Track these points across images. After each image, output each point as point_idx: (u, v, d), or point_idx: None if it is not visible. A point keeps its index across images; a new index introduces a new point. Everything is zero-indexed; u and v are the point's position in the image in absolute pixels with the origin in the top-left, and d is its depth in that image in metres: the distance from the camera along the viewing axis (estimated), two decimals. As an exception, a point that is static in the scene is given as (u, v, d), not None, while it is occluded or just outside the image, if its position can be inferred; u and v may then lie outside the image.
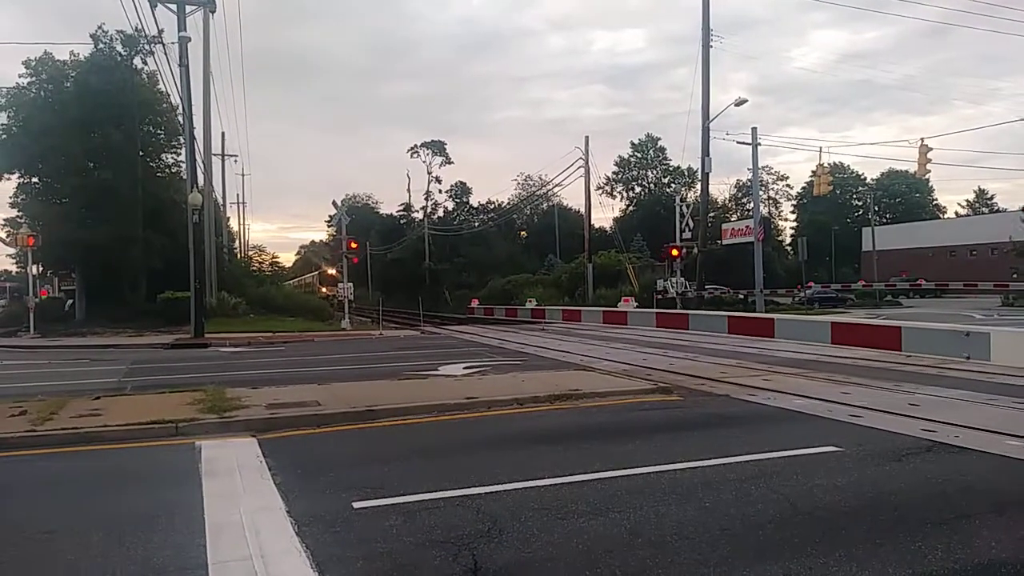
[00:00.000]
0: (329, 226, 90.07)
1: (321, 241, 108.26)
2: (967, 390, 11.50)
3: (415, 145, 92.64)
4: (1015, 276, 43.57)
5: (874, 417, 9.47)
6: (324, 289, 42.37)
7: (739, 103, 33.38)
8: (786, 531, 5.37)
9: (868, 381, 12.57)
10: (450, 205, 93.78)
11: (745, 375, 13.62)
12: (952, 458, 7.48)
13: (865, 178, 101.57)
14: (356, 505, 5.97)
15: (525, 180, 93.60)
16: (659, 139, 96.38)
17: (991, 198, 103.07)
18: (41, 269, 39.47)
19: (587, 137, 49.90)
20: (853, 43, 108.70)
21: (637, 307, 12.81)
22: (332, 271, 45.13)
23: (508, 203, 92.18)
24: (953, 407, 10.16)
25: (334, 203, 36.61)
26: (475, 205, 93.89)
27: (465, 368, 15.79)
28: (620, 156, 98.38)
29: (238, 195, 72.85)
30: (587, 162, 47.46)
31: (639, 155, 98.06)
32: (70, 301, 41.70)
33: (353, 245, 34.22)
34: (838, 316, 9.08)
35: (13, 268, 58.93)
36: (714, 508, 5.89)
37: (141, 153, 37.79)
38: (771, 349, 16.42)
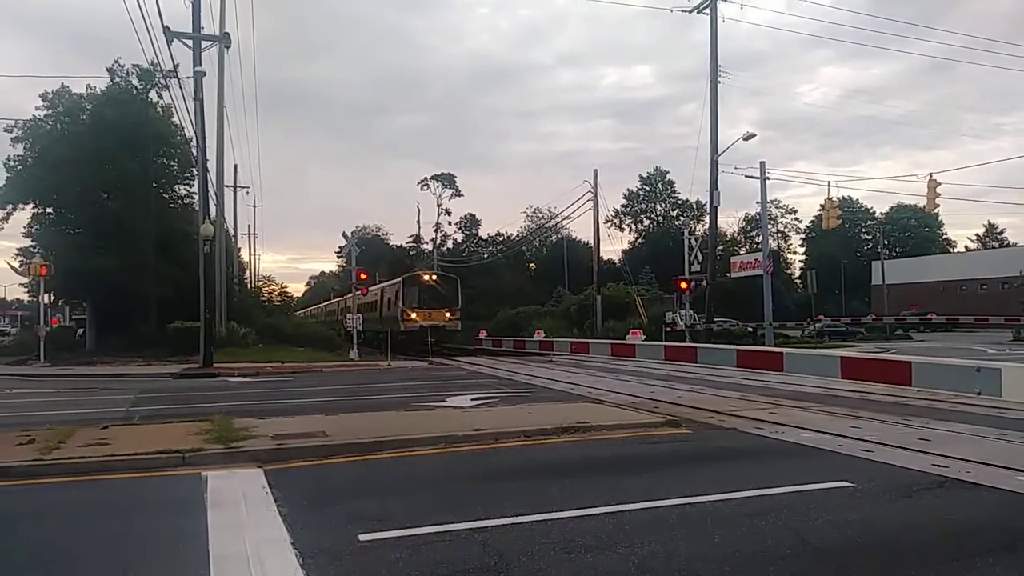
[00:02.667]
0: (339, 257, 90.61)
1: (331, 272, 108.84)
2: (978, 425, 11.39)
3: (425, 177, 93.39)
4: (1026, 310, 43.27)
5: (885, 452, 9.38)
6: (413, 315, 39.72)
7: (747, 137, 33.59)
8: (797, 567, 5.31)
9: (878, 415, 12.46)
10: (459, 237, 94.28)
11: (753, 408, 13.54)
12: (963, 494, 7.40)
13: (874, 212, 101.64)
14: (362, 538, 5.93)
15: (534, 212, 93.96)
16: (668, 172, 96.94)
17: (1001, 232, 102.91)
18: (53, 298, 39.78)
19: (596, 170, 50.24)
20: (859, 79, 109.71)
21: (645, 340, 12.75)
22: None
23: (517, 235, 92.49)
24: (964, 442, 10.05)
25: (344, 234, 37.15)
26: (484, 237, 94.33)
27: (472, 400, 15.74)
28: (629, 189, 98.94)
29: (249, 226, 73.37)
30: (596, 195, 47.76)
31: (648, 188, 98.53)
32: (81, 330, 41.92)
33: (363, 276, 34.35)
34: (848, 350, 9.03)
35: (25, 297, 59.31)
36: (724, 543, 5.83)
37: (154, 184, 38.21)
38: (780, 383, 16.44)
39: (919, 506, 7.02)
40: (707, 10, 31.88)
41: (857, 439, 10.33)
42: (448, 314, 39.71)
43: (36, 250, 35.58)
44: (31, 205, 37.79)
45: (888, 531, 6.18)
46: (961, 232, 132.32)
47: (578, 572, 5.18)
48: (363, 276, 34.30)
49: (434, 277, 42.84)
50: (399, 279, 43.03)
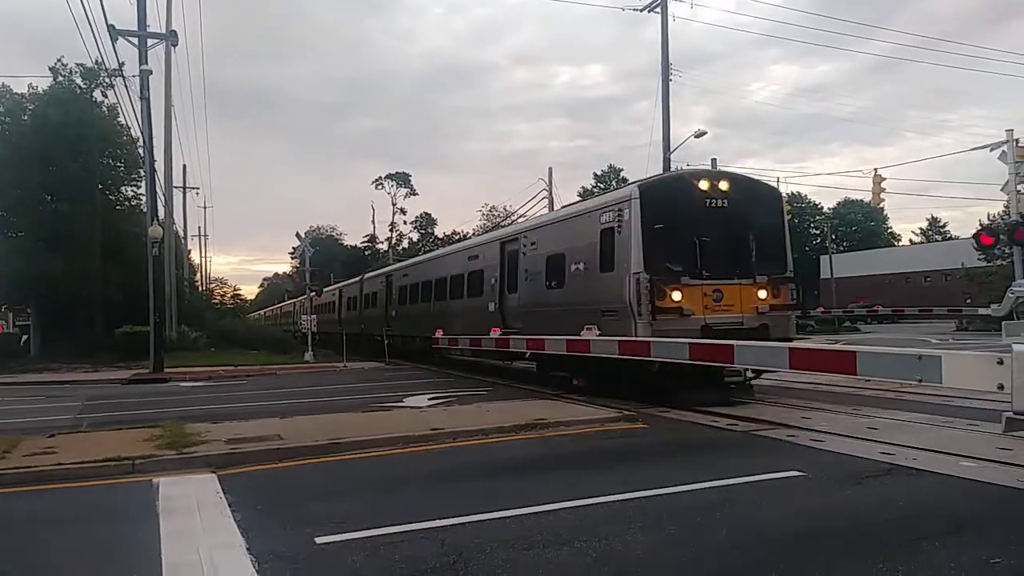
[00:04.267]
0: (293, 258, 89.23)
1: (285, 273, 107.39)
2: (924, 413, 11.76)
3: (380, 177, 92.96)
4: (968, 301, 44.68)
5: (835, 441, 9.62)
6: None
7: (699, 135, 34.03)
8: (751, 557, 5.40)
9: (828, 406, 12.78)
10: (415, 236, 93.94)
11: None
12: (910, 481, 7.61)
13: (822, 207, 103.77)
14: (318, 541, 5.87)
15: (490, 211, 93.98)
16: (621, 170, 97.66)
17: (943, 226, 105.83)
18: (-5, 304, 38.55)
19: (550, 168, 50.32)
20: (807, 77, 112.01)
21: (600, 334, 12.82)
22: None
23: (474, 233, 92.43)
24: (910, 431, 10.35)
25: (298, 235, 36.21)
26: (440, 236, 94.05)
27: (430, 399, 15.68)
28: (584, 187, 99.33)
29: (200, 228, 72.00)
30: (551, 192, 47.90)
31: (602, 186, 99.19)
32: (25, 336, 40.65)
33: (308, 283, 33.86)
34: (797, 342, 9.22)
35: (-35, 303, 57.35)
36: (679, 535, 5.91)
37: (100, 186, 37.24)
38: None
39: (869, 494, 7.20)
40: (658, 9, 32.20)
41: (808, 429, 10.57)
42: None
43: (-23, 255, 34.45)
44: (-29, 209, 36.58)
45: (839, 519, 6.33)
46: (906, 226, 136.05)
47: (536, 568, 5.20)
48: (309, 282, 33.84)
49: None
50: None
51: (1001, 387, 6.19)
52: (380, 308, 34.00)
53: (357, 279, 41.59)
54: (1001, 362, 6.21)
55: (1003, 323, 6.26)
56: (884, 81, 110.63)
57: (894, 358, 7.60)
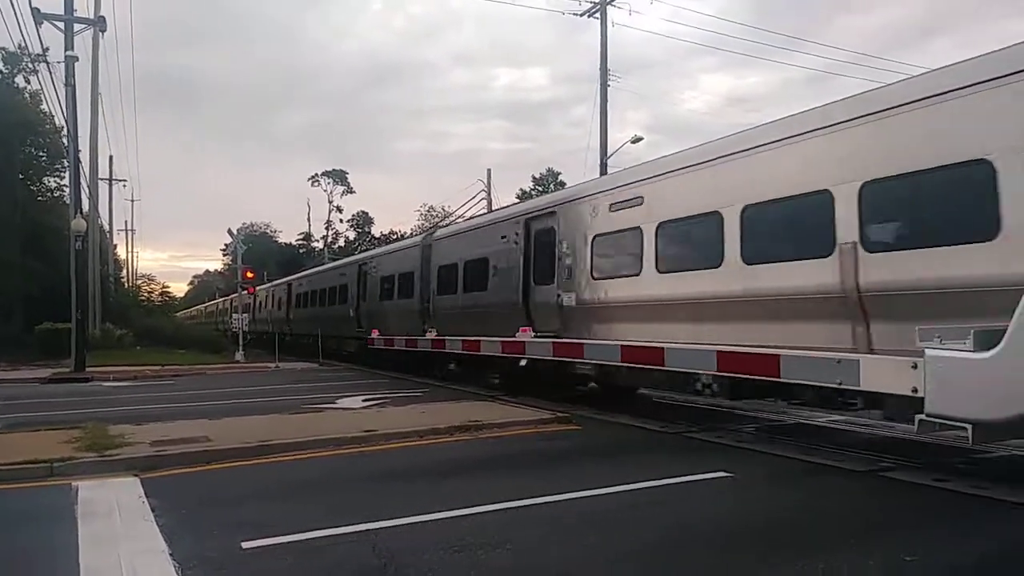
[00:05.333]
0: (225, 255, 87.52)
1: (216, 271, 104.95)
2: (849, 415, 12.20)
3: (316, 174, 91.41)
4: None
5: (762, 443, 9.90)
6: None
7: (635, 140, 34.48)
8: (678, 555, 5.52)
9: (761, 405, 13.14)
10: (352, 235, 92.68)
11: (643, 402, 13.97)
12: (833, 480, 7.90)
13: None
14: (245, 545, 5.75)
15: (428, 211, 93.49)
16: (560, 174, 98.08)
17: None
18: (-97, 298, 36.60)
19: (489, 170, 50.39)
20: (738, 88, 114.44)
21: (535, 337, 12.93)
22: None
23: (411, 233, 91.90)
24: (835, 432, 10.73)
25: (230, 231, 35.27)
26: (377, 235, 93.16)
27: (364, 400, 15.53)
28: (522, 189, 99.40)
29: (126, 222, 70.37)
30: (489, 194, 47.93)
31: (540, 189, 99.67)
32: (-64, 333, 38.77)
33: (249, 275, 33.25)
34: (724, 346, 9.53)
35: None
36: (612, 535, 6.00)
37: (21, 176, 35.87)
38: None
39: (794, 493, 7.45)
40: (598, 15, 32.56)
41: (735, 430, 10.85)
42: None
43: None
44: None
45: (764, 518, 6.52)
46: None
47: (469, 570, 5.20)
48: (250, 275, 33.21)
49: None
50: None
51: (915, 390, 6.48)
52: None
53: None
54: (915, 366, 6.50)
55: (917, 328, 6.52)
56: (814, 94, 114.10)
57: (815, 361, 7.88)
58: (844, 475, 8.06)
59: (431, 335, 18.95)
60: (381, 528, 6.12)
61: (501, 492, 7.25)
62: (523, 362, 14.39)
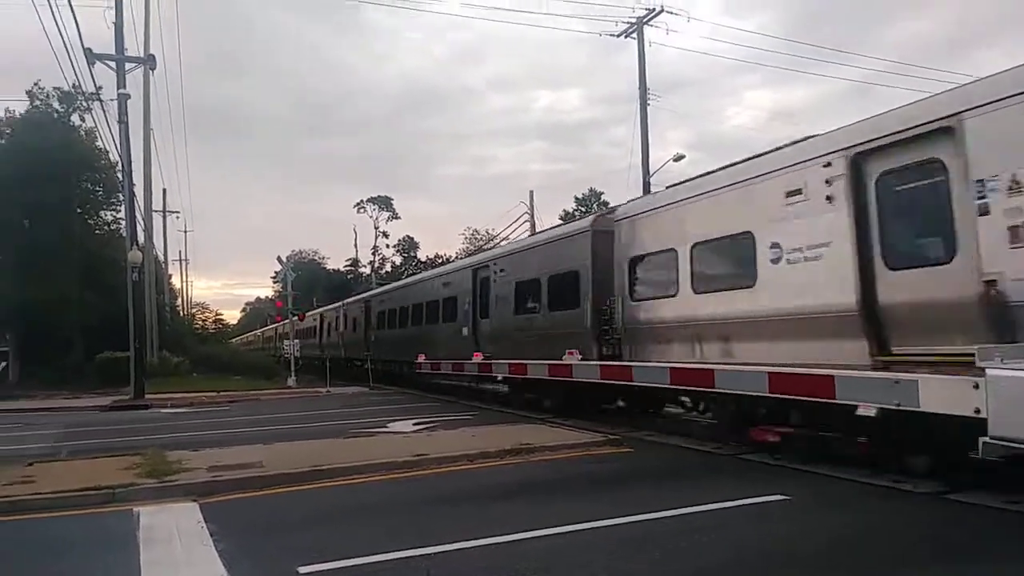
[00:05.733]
0: (275, 282, 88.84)
1: (267, 298, 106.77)
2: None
3: (361, 200, 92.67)
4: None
5: (820, 464, 9.65)
6: None
7: (677, 159, 34.32)
8: (735, 581, 5.43)
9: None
10: (398, 260, 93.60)
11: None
12: (898, 504, 7.66)
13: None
14: (302, 570, 5.81)
15: (472, 234, 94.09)
16: (602, 193, 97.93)
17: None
18: (-29, 331, 38.00)
19: (531, 191, 50.82)
20: (782, 102, 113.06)
21: (582, 359, 12.85)
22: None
23: (456, 256, 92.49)
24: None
25: (279, 259, 35.39)
26: (423, 259, 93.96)
27: (415, 424, 15.62)
28: (565, 210, 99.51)
29: (180, 252, 71.61)
30: (532, 216, 48.08)
31: (583, 209, 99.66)
32: (3, 364, 40.06)
33: (293, 305, 33.74)
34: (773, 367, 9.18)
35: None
36: (664, 561, 5.91)
37: (79, 211, 37.03)
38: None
39: (854, 517, 7.25)
40: (634, 35, 32.61)
41: (792, 450, 10.60)
42: None
43: (-47, 281, 34.06)
44: (-53, 234, 36.22)
45: (822, 543, 6.36)
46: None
47: (522, 596, 5.18)
48: (292, 307, 33.75)
49: None
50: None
51: (977, 411, 6.29)
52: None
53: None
54: (977, 386, 6.31)
55: (976, 348, 6.36)
56: (859, 106, 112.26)
57: (872, 381, 7.70)
58: (907, 497, 7.82)
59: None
60: (433, 553, 6.13)
61: (552, 517, 7.20)
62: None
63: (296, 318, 34.90)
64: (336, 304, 42.68)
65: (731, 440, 11.03)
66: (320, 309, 46.24)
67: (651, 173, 32.28)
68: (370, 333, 32.76)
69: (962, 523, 6.91)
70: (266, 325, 76.13)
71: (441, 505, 8.24)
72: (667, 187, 13.86)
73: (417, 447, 11.43)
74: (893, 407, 7.34)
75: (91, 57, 24.75)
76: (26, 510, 8.23)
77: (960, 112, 7.60)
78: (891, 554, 5.94)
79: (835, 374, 8.20)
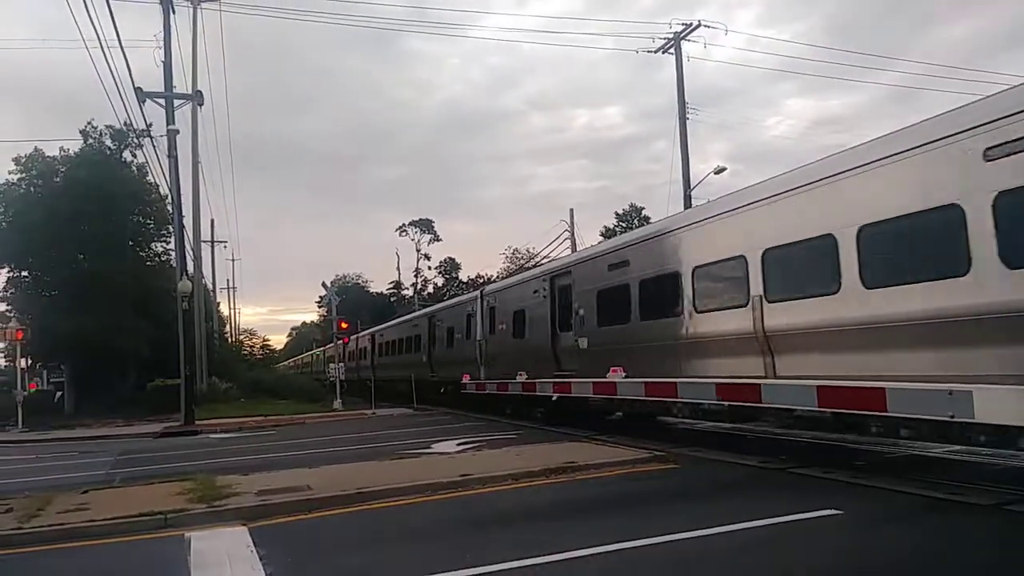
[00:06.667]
0: (320, 307, 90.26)
1: (312, 322, 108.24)
2: (965, 445, 11.50)
3: (403, 224, 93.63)
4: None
5: (873, 477, 9.41)
6: None
7: (718, 171, 34.05)
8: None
9: (861, 439, 12.54)
10: (440, 281, 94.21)
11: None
12: (954, 518, 7.43)
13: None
14: (349, 593, 5.85)
15: (513, 253, 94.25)
16: (643, 208, 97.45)
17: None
18: (30, 362, 39.20)
19: (572, 209, 50.73)
20: (823, 110, 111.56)
21: (626, 377, 12.65)
22: None
23: (497, 276, 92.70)
24: (952, 464, 10.13)
25: (324, 284, 36.11)
26: (464, 280, 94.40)
27: (459, 444, 15.63)
28: (605, 226, 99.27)
29: (228, 280, 73.11)
30: (572, 233, 48.03)
31: (624, 225, 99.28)
32: (59, 393, 41.23)
33: (344, 325, 34.18)
34: (822, 380, 8.86)
35: (1, 361, 58.37)
36: (713, 579, 5.82)
37: (131, 243, 38.05)
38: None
39: (910, 531, 7.04)
40: (672, 51, 32.59)
41: (843, 464, 10.36)
42: None
43: (12, 314, 35.18)
44: (6, 269, 37.48)
45: (878, 560, 6.18)
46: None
47: (569, 616, 5.13)
48: (344, 325, 34.14)
49: None
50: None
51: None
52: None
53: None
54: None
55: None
56: (902, 112, 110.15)
57: (924, 394, 7.47)
58: (965, 511, 7.56)
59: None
60: (480, 574, 6.11)
61: (597, 535, 7.12)
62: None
63: (341, 341, 35.29)
64: (382, 324, 42.93)
65: None
66: (370, 329, 46.49)
67: (692, 187, 32.08)
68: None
69: (1021, 535, 6.67)
70: (312, 349, 77.03)
71: (486, 526, 8.21)
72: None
73: (462, 467, 11.43)
74: (947, 419, 7.13)
75: (141, 96, 25.56)
76: (80, 537, 8.41)
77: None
78: (950, 570, 5.75)
79: (887, 386, 7.99)
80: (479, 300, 24.32)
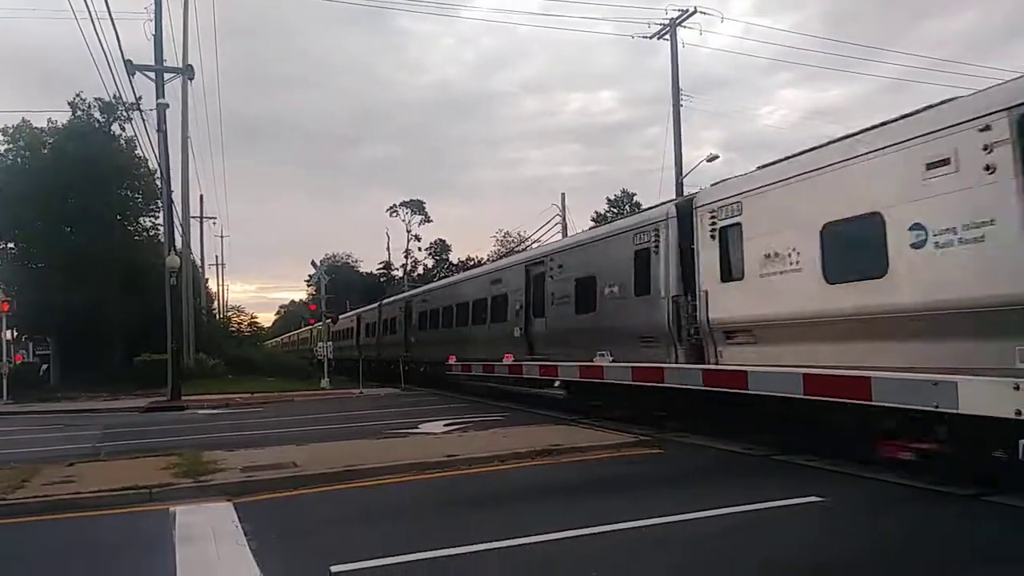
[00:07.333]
0: (309, 286, 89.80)
1: (301, 301, 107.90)
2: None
3: (394, 204, 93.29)
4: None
5: (854, 465, 9.50)
6: None
7: (711, 159, 34.07)
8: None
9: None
10: (430, 262, 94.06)
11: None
12: (934, 505, 7.52)
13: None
14: (333, 569, 5.85)
15: (504, 236, 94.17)
16: (635, 194, 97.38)
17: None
18: (16, 334, 38.98)
19: (563, 194, 50.55)
20: (817, 100, 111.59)
21: (613, 361, 12.66)
22: None
23: (488, 259, 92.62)
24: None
25: (313, 263, 35.79)
26: (455, 262, 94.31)
27: (446, 425, 15.67)
28: (597, 211, 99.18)
29: (217, 256, 72.83)
30: (564, 218, 48.07)
31: (615, 211, 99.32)
32: (45, 366, 41.10)
33: (312, 308, 34.29)
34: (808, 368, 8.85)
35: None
36: (696, 563, 5.88)
37: (119, 217, 37.81)
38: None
39: (891, 520, 7.12)
40: (667, 36, 32.44)
41: (826, 452, 10.44)
42: None
43: (-2, 286, 35.00)
44: (-8, 241, 37.27)
45: (858, 548, 6.25)
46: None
47: (552, 596, 5.18)
48: (313, 308, 34.26)
49: None
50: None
51: (1019, 413, 6.15)
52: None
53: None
54: (1018, 388, 6.17)
55: (1016, 347, 6.24)
56: (897, 103, 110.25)
57: (910, 384, 7.55)
58: (947, 500, 7.66)
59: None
60: (465, 553, 6.15)
61: (582, 518, 7.17)
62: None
63: (330, 321, 35.24)
64: (371, 305, 42.84)
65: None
66: (356, 310, 46.41)
67: (684, 174, 32.07)
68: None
69: (998, 525, 6.76)
70: (300, 328, 76.88)
71: (472, 506, 8.26)
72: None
73: (448, 448, 11.47)
74: (931, 408, 7.20)
75: (131, 68, 25.26)
76: (66, 509, 8.39)
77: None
78: (929, 558, 5.83)
79: (872, 375, 8.06)
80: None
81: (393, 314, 35.66)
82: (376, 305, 40.12)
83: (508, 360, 18.87)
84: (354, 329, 44.80)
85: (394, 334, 34.69)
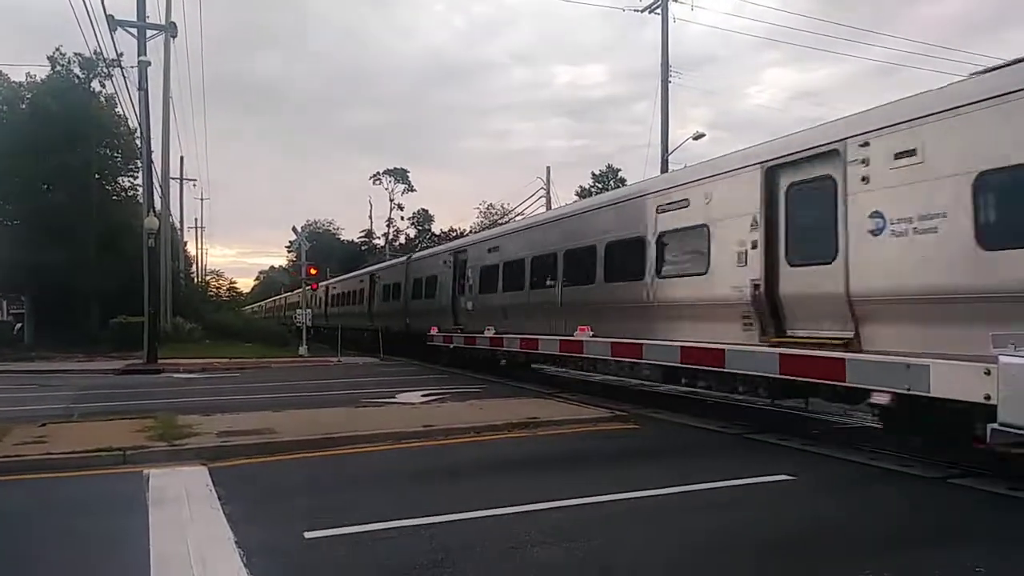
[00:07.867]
0: (289, 252, 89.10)
1: (281, 267, 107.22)
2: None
3: (378, 172, 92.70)
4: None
5: (826, 445, 9.65)
6: None
7: (697, 137, 34.05)
8: (738, 559, 5.44)
9: (822, 407, 12.82)
10: (412, 232, 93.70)
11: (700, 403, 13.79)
12: (897, 487, 7.66)
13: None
14: (307, 535, 5.89)
15: (488, 208, 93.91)
16: (620, 170, 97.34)
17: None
18: (-11, 292, 38.52)
19: (548, 167, 50.46)
20: (805, 81, 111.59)
21: (593, 336, 12.72)
22: None
23: (471, 230, 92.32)
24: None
25: (294, 228, 35.47)
26: (437, 232, 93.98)
27: (423, 396, 15.70)
28: (581, 186, 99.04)
29: (196, 219, 72.16)
30: (548, 191, 47.95)
31: (600, 186, 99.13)
32: (19, 325, 40.62)
33: (313, 271, 33.90)
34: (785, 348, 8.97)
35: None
36: (665, 538, 5.96)
37: (97, 176, 37.18)
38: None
39: (858, 498, 7.25)
40: (659, 10, 32.21)
41: (799, 432, 10.61)
42: None
43: (-30, 243, 34.42)
44: (-35, 197, 36.56)
45: (824, 524, 6.38)
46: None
47: (524, 567, 5.23)
48: (313, 271, 33.87)
49: None
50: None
51: (988, 397, 6.25)
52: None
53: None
54: (988, 372, 6.26)
55: (990, 334, 6.35)
56: (883, 86, 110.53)
57: (883, 366, 7.67)
58: (912, 481, 7.81)
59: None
60: (439, 523, 6.19)
61: (556, 490, 7.24)
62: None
63: (312, 287, 35.08)
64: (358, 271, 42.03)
65: None
66: (345, 276, 45.55)
67: (670, 151, 32.04)
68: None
69: (961, 507, 6.91)
70: (280, 294, 76.46)
71: (448, 476, 8.30)
72: None
73: (425, 418, 11.51)
74: (903, 391, 7.31)
75: (113, 23, 24.69)
76: (38, 469, 8.35)
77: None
78: (886, 535, 5.95)
79: (846, 357, 8.17)
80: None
81: (434, 270, 25.83)
82: (404, 259, 31.13)
83: (489, 333, 18.83)
84: (365, 292, 36.45)
85: (431, 299, 25.55)
